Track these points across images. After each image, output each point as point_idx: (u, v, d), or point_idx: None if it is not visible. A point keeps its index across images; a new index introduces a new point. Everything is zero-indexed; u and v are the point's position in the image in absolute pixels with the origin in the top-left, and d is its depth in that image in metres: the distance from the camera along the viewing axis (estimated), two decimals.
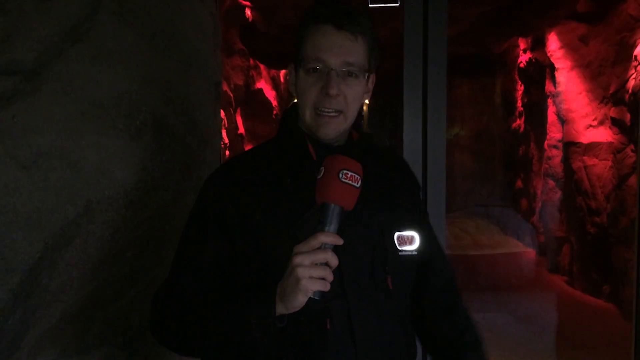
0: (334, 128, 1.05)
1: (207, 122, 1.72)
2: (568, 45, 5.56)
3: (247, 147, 8.75)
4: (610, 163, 4.87)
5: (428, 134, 2.31)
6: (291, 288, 0.89)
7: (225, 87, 6.09)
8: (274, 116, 9.44)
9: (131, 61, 1.33)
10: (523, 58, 6.91)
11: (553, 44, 5.75)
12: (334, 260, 0.90)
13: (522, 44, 6.95)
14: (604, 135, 4.99)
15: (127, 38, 1.33)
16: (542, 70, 6.29)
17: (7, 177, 1.07)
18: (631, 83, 4.43)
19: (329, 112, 1.03)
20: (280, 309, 0.92)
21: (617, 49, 4.77)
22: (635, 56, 4.40)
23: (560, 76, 5.69)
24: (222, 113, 5.78)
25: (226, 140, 6.27)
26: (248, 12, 6.04)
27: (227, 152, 6.43)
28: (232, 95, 6.61)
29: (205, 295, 1.03)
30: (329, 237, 0.91)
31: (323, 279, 0.90)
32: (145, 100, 1.36)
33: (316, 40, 1.03)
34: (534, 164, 6.95)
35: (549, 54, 5.85)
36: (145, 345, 1.55)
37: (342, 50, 1.02)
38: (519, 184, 7.64)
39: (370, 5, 2.86)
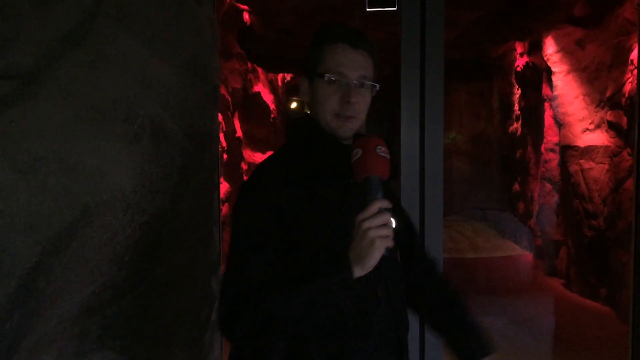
0: (351, 129, 1.26)
1: (205, 126, 1.72)
2: (565, 49, 5.58)
3: (245, 151, 8.76)
4: (607, 166, 4.89)
5: (425, 138, 2.31)
6: (367, 250, 1.06)
7: (223, 91, 6.09)
8: (271, 119, 9.44)
9: (129, 65, 1.33)
10: (520, 62, 6.93)
11: (550, 47, 5.77)
12: (391, 221, 1.08)
13: (519, 47, 6.98)
14: (600, 138, 5.00)
15: (125, 42, 1.33)
16: (539, 74, 6.32)
17: (5, 181, 1.07)
18: (628, 87, 4.44)
19: (346, 116, 1.24)
20: (358, 272, 1.08)
21: (614, 52, 4.79)
22: (632, 60, 4.42)
23: (557, 80, 5.71)
24: (220, 117, 5.78)
25: (224, 144, 6.27)
26: (246, 15, 6.05)
27: (225, 156, 6.42)
28: (229, 98, 6.61)
29: (278, 278, 1.14)
30: (384, 202, 1.09)
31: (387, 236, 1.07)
32: (143, 104, 1.36)
33: (336, 57, 1.23)
34: (531, 167, 6.97)
35: (545, 58, 5.87)
36: (144, 350, 1.54)
37: (358, 65, 1.24)
38: (516, 187, 7.65)
39: (367, 9, 2.87)
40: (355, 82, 1.23)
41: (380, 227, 1.06)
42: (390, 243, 1.07)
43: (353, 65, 1.23)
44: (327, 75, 1.22)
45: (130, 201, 1.33)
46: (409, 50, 2.26)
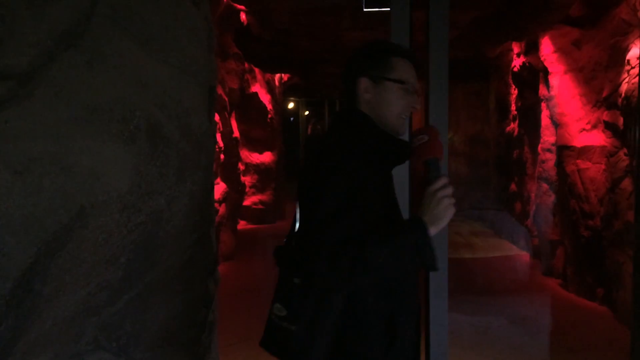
0: (406, 126, 1.55)
1: (202, 126, 1.72)
2: (561, 50, 5.59)
3: (242, 151, 8.75)
4: (603, 166, 4.90)
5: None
6: (443, 213, 1.36)
7: (220, 91, 6.08)
8: (268, 120, 9.43)
9: (125, 66, 1.33)
10: (517, 62, 6.94)
11: (546, 48, 5.78)
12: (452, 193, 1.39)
13: (515, 48, 6.99)
14: (597, 138, 5.01)
15: (121, 43, 1.33)
16: (535, 74, 6.33)
17: (0, 182, 1.06)
18: (624, 87, 4.45)
19: (406, 117, 1.52)
20: (433, 231, 1.36)
21: (610, 53, 4.80)
22: (628, 60, 4.43)
23: (554, 80, 5.72)
24: (217, 117, 5.78)
25: (221, 144, 6.26)
26: (243, 16, 6.04)
27: (222, 156, 6.41)
28: (226, 99, 6.61)
29: (369, 235, 1.33)
30: (447, 179, 1.39)
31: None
32: (139, 105, 1.36)
33: (405, 69, 1.50)
34: (528, 167, 6.98)
35: (542, 58, 5.88)
36: (140, 351, 1.54)
37: (415, 79, 1.52)
38: (513, 187, 7.67)
39: (364, 9, 2.87)
40: (416, 91, 1.52)
41: (450, 197, 1.37)
42: (454, 209, 1.37)
43: (414, 79, 1.51)
44: (396, 82, 1.48)
45: (126, 202, 1.32)
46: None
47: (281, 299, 1.42)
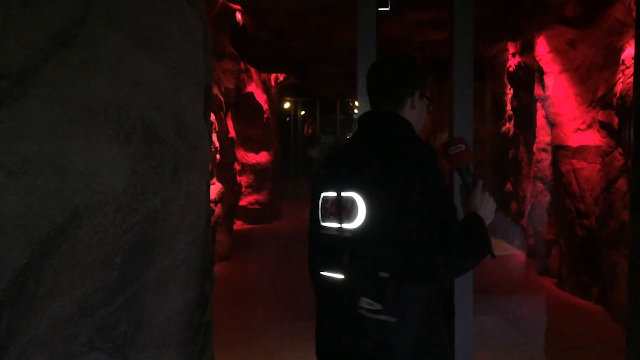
0: None
1: (197, 126, 1.72)
2: (556, 50, 5.61)
3: (238, 151, 8.74)
4: (598, 166, 4.91)
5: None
6: (492, 208, 1.60)
7: (215, 91, 6.07)
8: (264, 120, 9.43)
9: (120, 66, 1.33)
10: (512, 62, 6.95)
11: (542, 48, 5.80)
12: None
13: (511, 48, 7.00)
14: (592, 138, 5.03)
15: (117, 43, 1.33)
16: (531, 74, 6.34)
17: None
18: (619, 87, 4.47)
19: None
20: (486, 223, 1.59)
21: (605, 53, 4.82)
22: (623, 60, 4.44)
23: (549, 80, 5.74)
24: (213, 117, 5.77)
25: (217, 144, 6.25)
26: (239, 16, 6.04)
27: (218, 156, 6.41)
28: (222, 99, 6.60)
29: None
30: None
31: None
32: (134, 105, 1.35)
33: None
34: (524, 167, 6.99)
35: (537, 58, 5.90)
36: (136, 351, 1.54)
37: None
38: (509, 187, 7.68)
39: None
40: None
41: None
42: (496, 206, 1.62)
43: None
44: (429, 101, 1.70)
45: (121, 202, 1.32)
46: (365, 49, 2.31)
47: (370, 293, 1.44)
